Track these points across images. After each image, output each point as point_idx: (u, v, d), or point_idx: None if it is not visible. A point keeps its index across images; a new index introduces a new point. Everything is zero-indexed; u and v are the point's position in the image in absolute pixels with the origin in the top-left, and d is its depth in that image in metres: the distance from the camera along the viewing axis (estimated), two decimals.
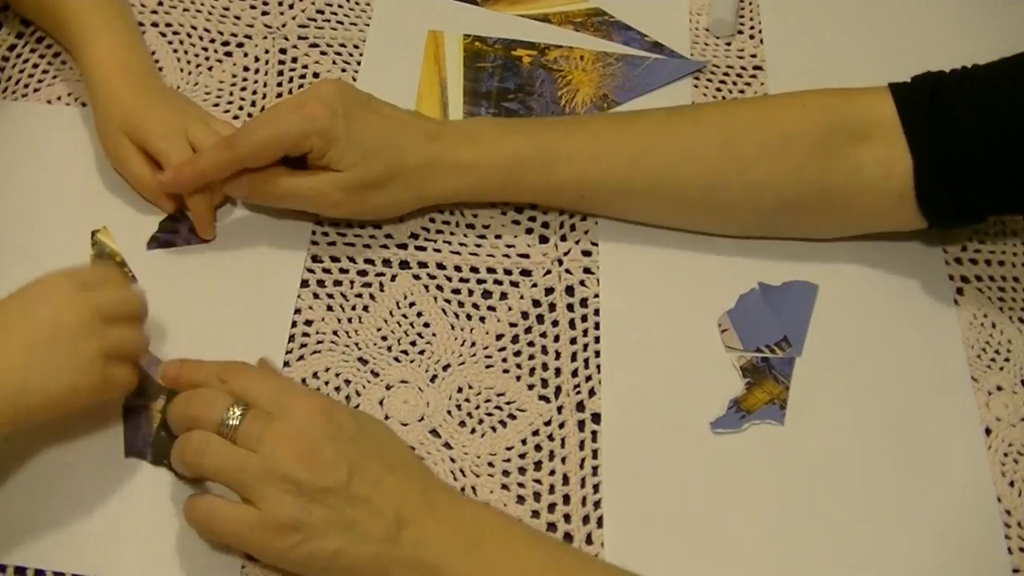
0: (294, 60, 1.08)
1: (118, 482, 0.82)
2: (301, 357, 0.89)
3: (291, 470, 0.72)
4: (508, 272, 0.95)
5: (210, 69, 1.06)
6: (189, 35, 1.09)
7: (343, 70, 1.07)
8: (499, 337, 0.91)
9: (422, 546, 0.73)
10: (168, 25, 1.09)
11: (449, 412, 0.87)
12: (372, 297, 0.93)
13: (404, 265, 0.94)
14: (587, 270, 0.95)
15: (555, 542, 0.81)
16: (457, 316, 0.92)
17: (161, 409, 0.85)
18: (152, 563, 0.79)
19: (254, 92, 1.05)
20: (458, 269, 0.95)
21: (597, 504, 0.84)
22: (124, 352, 0.79)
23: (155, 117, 0.93)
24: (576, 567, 0.76)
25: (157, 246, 0.94)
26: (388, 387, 0.88)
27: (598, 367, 0.90)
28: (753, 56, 1.11)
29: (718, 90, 1.08)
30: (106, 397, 0.80)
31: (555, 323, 0.92)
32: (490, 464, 0.85)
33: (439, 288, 0.94)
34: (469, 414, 0.87)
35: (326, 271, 0.94)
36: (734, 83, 1.09)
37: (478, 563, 0.73)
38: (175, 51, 1.07)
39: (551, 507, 0.84)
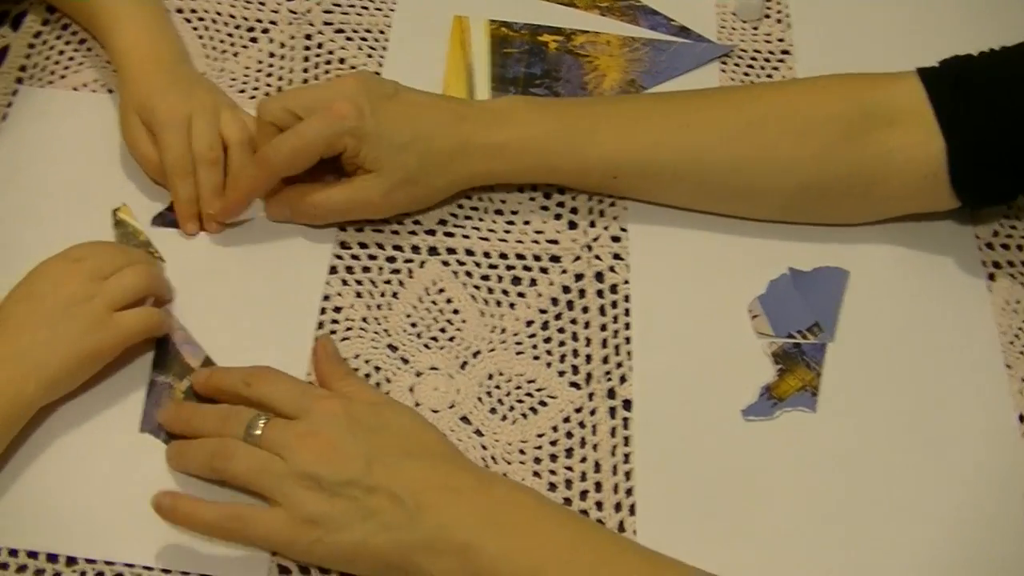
0: (319, 46, 1.07)
1: (145, 466, 0.82)
2: None
3: (310, 467, 0.74)
4: (537, 258, 0.94)
5: (235, 55, 1.06)
6: (214, 21, 1.08)
7: (369, 56, 1.07)
8: (529, 324, 0.91)
9: (446, 529, 0.73)
10: (193, 11, 1.09)
11: (479, 399, 0.87)
12: (401, 284, 0.92)
13: (433, 251, 0.94)
14: (617, 256, 0.95)
15: (588, 522, 0.81)
16: (487, 302, 0.92)
17: (184, 390, 0.85)
18: (181, 547, 0.79)
19: (280, 78, 1.05)
20: (487, 255, 0.94)
21: (629, 491, 0.83)
22: (129, 296, 0.83)
23: (165, 103, 0.93)
24: (609, 546, 0.75)
25: (162, 224, 0.94)
26: (418, 374, 0.88)
27: (629, 353, 0.90)
28: (781, 40, 1.10)
29: (745, 75, 1.07)
30: (132, 342, 0.84)
31: (585, 309, 0.92)
32: (521, 451, 0.85)
33: (468, 274, 0.93)
34: (500, 401, 0.87)
35: (354, 258, 0.93)
36: (762, 68, 1.08)
37: (509, 543, 0.73)
38: (200, 37, 1.07)
39: (583, 494, 0.83)
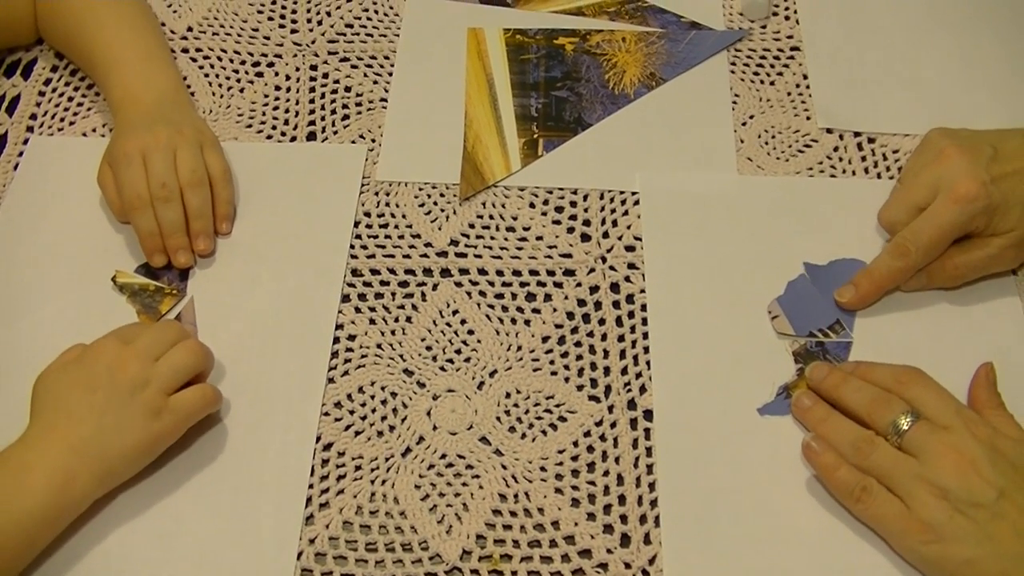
0: (325, 76, 1.07)
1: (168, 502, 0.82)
2: (346, 372, 0.88)
3: (943, 479, 0.76)
4: (551, 273, 0.94)
5: (242, 91, 1.06)
6: (219, 58, 1.09)
7: (375, 82, 1.06)
8: (545, 339, 0.90)
9: None
10: (198, 50, 1.09)
11: (498, 418, 0.86)
12: (415, 307, 0.92)
13: (445, 273, 0.94)
14: (631, 265, 0.94)
15: None
16: (502, 321, 0.91)
17: None
18: None
19: (287, 111, 1.05)
20: (500, 273, 0.94)
21: (654, 503, 0.82)
22: (182, 377, 0.82)
23: (118, 143, 0.94)
24: None
25: (144, 273, 0.94)
26: (435, 397, 0.87)
27: (647, 363, 0.88)
28: (790, 37, 1.09)
29: (755, 74, 1.06)
30: (191, 423, 0.82)
31: (602, 321, 0.91)
32: (542, 468, 0.84)
33: (482, 294, 0.93)
34: (518, 419, 0.86)
35: (367, 284, 0.93)
36: (771, 66, 1.07)
37: None
38: (206, 75, 1.07)
39: (607, 508, 0.82)
